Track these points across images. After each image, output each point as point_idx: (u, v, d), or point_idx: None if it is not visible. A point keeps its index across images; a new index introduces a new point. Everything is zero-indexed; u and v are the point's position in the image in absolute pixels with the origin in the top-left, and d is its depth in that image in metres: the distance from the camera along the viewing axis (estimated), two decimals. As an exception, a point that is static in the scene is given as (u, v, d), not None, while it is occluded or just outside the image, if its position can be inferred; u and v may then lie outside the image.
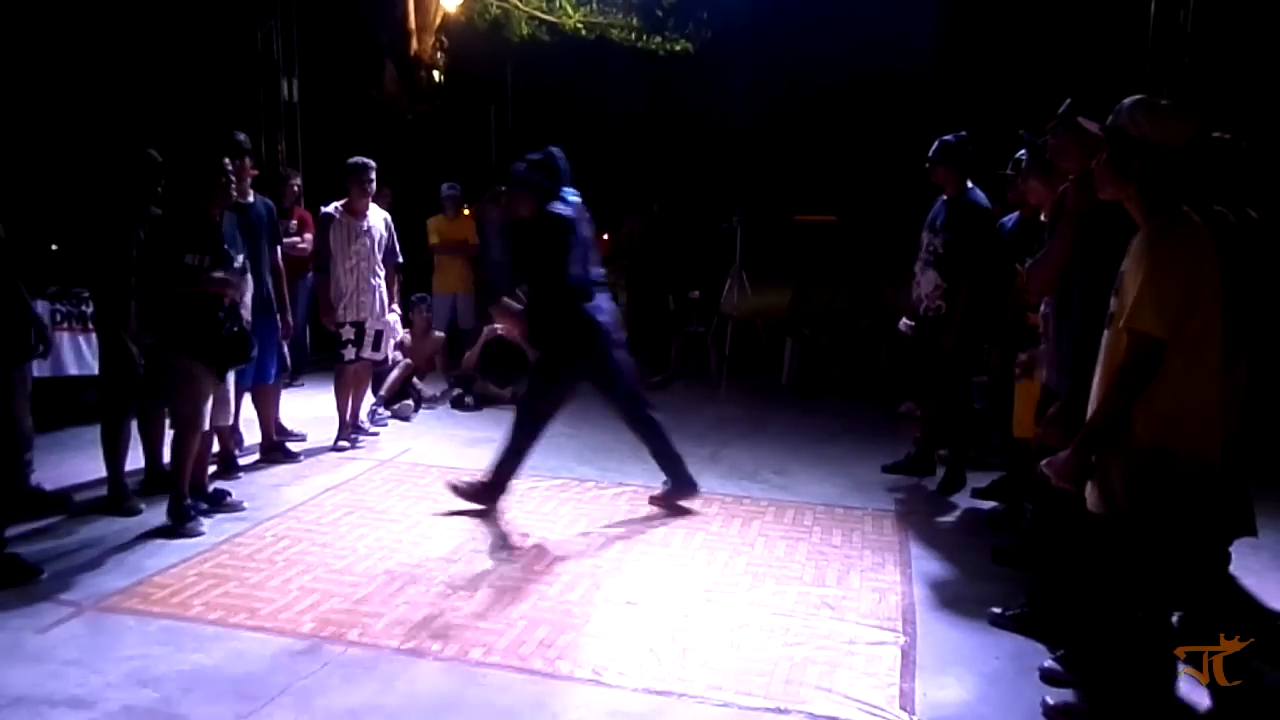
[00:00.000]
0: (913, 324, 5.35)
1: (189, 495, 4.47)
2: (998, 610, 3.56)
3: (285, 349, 6.21)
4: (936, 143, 5.01)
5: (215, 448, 4.98)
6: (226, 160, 4.40)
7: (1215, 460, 2.54)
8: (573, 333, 4.62)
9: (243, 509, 4.69)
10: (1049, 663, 3.11)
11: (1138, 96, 2.58)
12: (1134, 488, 2.51)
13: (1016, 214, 4.76)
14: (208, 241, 4.31)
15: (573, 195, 4.69)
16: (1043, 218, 4.10)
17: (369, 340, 5.99)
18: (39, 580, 3.80)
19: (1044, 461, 2.73)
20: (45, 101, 8.09)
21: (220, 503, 4.68)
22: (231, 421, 4.91)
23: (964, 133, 5.00)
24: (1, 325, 4.26)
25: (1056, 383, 3.26)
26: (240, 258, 4.52)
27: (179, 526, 4.33)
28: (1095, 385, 2.65)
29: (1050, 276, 3.27)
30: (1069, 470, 2.60)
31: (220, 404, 4.58)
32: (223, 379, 4.47)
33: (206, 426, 4.46)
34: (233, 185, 4.45)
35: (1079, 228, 3.13)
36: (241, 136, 5.28)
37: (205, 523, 4.42)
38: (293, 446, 5.82)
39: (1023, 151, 4.23)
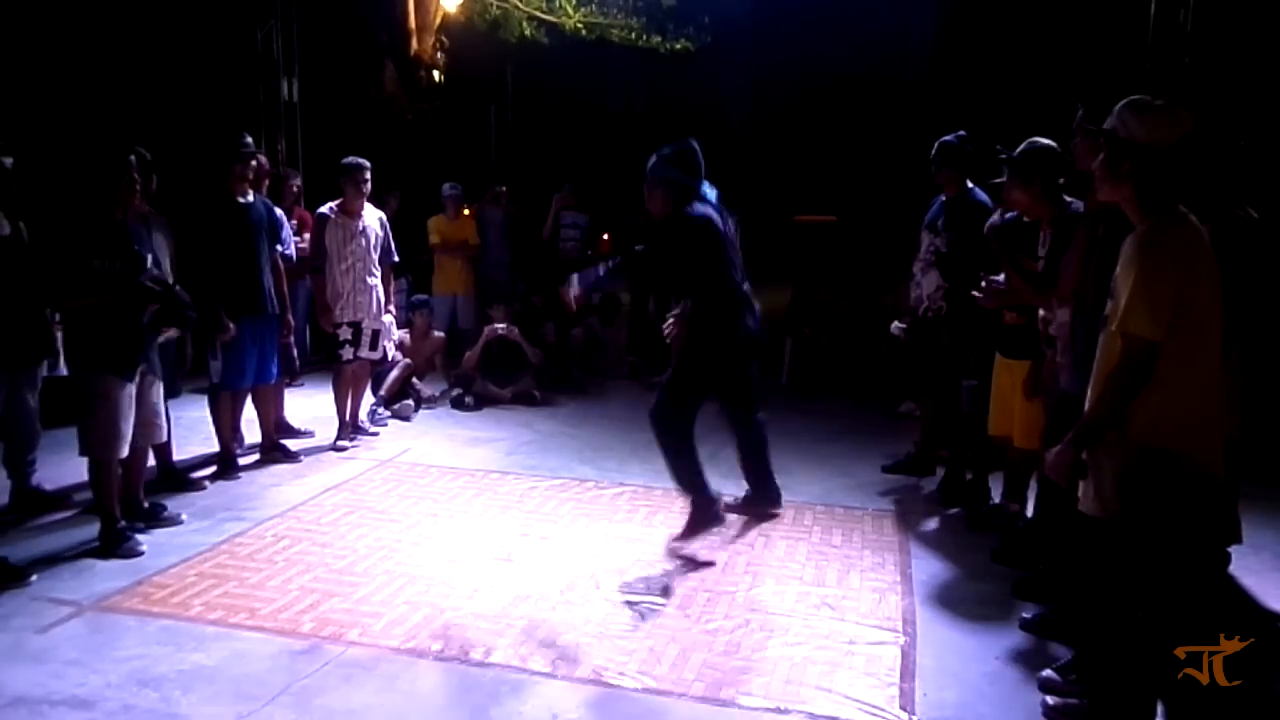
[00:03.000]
0: (904, 326, 5.35)
1: (121, 515, 4.26)
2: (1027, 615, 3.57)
3: (294, 349, 6.22)
4: (937, 145, 5.01)
5: (150, 460, 4.77)
6: (132, 158, 4.14)
7: (1212, 463, 2.52)
8: (722, 346, 4.33)
9: (181, 522, 4.49)
10: (1048, 672, 3.10)
11: (1130, 98, 2.56)
12: (1126, 490, 2.50)
13: (1012, 214, 4.75)
14: (115, 244, 4.08)
15: (711, 191, 4.38)
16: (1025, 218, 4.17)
17: (366, 340, 5.99)
18: (26, 583, 3.76)
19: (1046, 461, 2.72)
20: (46, 102, 8.09)
21: (157, 517, 4.49)
22: (165, 439, 4.61)
23: (963, 132, 5.00)
24: (20, 323, 4.29)
25: (1075, 387, 3.23)
26: (149, 258, 4.25)
27: (114, 549, 4.10)
28: (1090, 385, 2.64)
29: (1070, 279, 3.30)
30: (1059, 467, 2.60)
31: (149, 423, 4.34)
32: (131, 380, 4.15)
33: (125, 452, 4.19)
34: (138, 188, 4.19)
35: (1090, 231, 3.14)
36: (248, 139, 5.29)
37: (144, 541, 4.19)
38: (295, 445, 5.83)
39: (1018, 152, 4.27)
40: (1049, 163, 3.76)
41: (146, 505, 4.53)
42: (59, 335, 5.28)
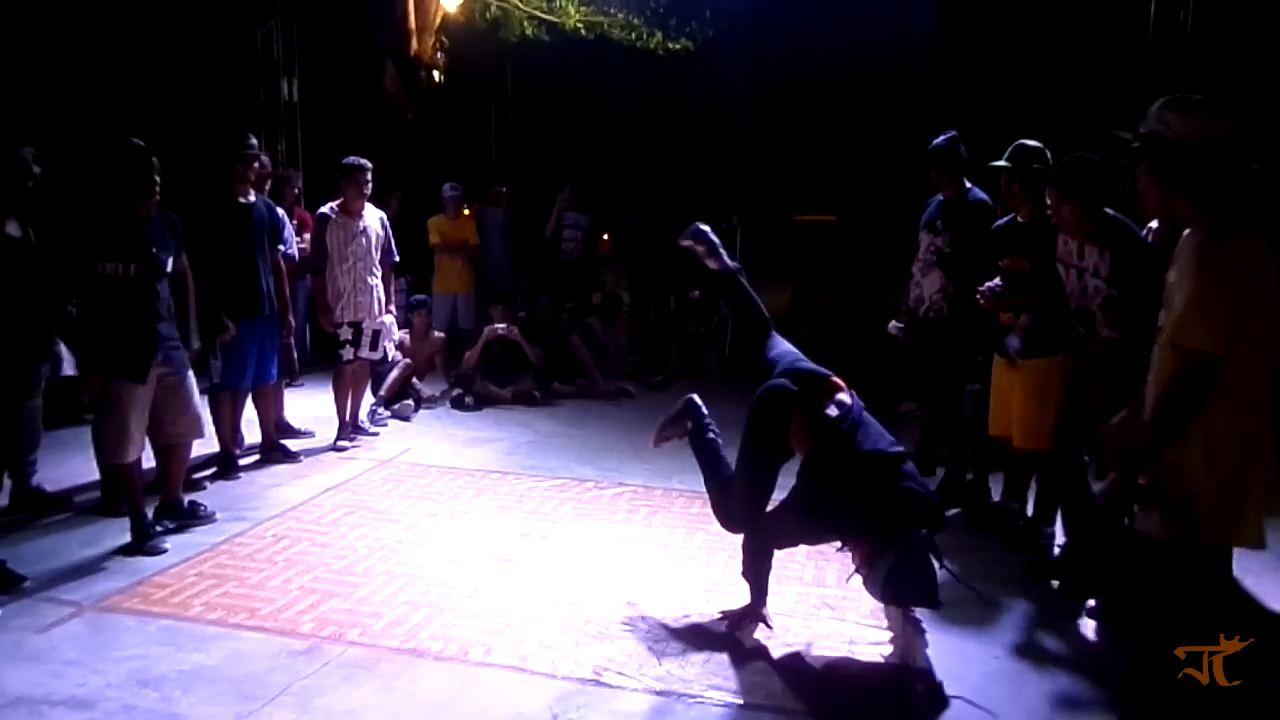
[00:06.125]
0: (903, 325, 5.35)
1: (156, 514, 4.35)
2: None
3: (293, 350, 6.21)
4: (930, 149, 5.00)
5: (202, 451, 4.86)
6: (155, 160, 4.11)
7: (1268, 484, 2.35)
8: None
9: (215, 519, 4.51)
10: None
11: (1166, 97, 2.39)
12: (1190, 513, 2.30)
13: (1008, 217, 4.75)
14: (131, 246, 4.06)
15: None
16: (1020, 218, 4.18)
17: (366, 340, 5.99)
18: (22, 589, 3.74)
19: (1099, 489, 2.59)
20: (46, 101, 8.09)
21: (194, 515, 4.51)
22: (202, 435, 4.60)
23: (954, 133, 4.99)
24: (23, 325, 4.27)
25: None
26: (170, 260, 4.26)
27: (140, 545, 4.14)
28: (1146, 404, 2.44)
29: None
30: (1116, 495, 2.38)
31: (185, 417, 4.35)
32: (142, 383, 4.12)
33: (135, 455, 4.20)
34: (156, 188, 4.14)
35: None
36: (252, 141, 5.29)
37: (168, 541, 4.22)
38: (295, 446, 5.83)
39: (1005, 161, 4.28)
40: (1096, 175, 3.72)
41: (186, 503, 4.51)
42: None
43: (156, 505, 4.47)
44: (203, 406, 4.54)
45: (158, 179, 4.15)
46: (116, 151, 4.10)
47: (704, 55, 10.75)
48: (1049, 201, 3.99)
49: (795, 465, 3.42)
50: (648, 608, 3.67)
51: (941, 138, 4.97)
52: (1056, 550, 4.21)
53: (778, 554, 3.59)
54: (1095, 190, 3.72)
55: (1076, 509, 3.95)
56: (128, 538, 4.23)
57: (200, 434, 4.51)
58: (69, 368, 5.48)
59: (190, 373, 4.41)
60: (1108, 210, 3.74)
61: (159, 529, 4.29)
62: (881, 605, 3.69)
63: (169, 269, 4.26)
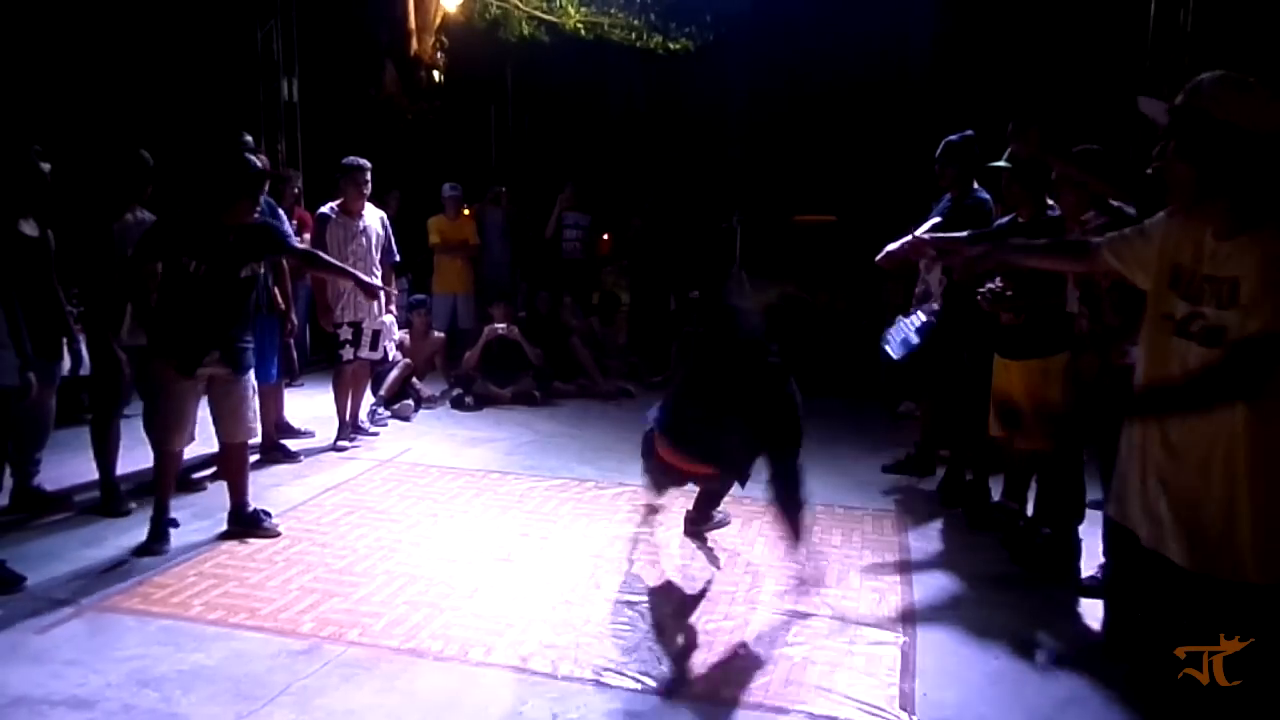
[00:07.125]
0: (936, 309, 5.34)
1: (230, 520, 4.39)
2: None
3: (293, 349, 6.20)
4: (943, 144, 5.01)
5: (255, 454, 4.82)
6: (266, 182, 4.20)
7: None
8: None
9: (279, 534, 4.39)
10: None
11: (1220, 73, 2.10)
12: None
13: (1008, 217, 4.75)
14: (210, 249, 4.04)
15: None
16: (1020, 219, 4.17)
17: (366, 340, 5.99)
18: (21, 589, 3.73)
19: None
20: (46, 101, 8.09)
21: (257, 524, 4.39)
22: (252, 437, 4.47)
23: (969, 132, 4.99)
24: (40, 322, 4.28)
25: None
26: (248, 268, 4.18)
27: (152, 543, 4.13)
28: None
29: None
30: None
31: (230, 419, 4.28)
32: (189, 376, 4.09)
33: (182, 445, 4.22)
34: (259, 208, 4.22)
35: None
36: (248, 138, 5.29)
37: (168, 544, 4.18)
38: (295, 445, 5.83)
39: (1004, 161, 4.27)
40: (1102, 167, 3.72)
41: (250, 510, 4.44)
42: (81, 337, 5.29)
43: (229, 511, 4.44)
44: (252, 406, 4.42)
45: (262, 200, 4.27)
46: (234, 165, 4.10)
47: (704, 55, 10.74)
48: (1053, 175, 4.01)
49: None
50: (648, 608, 3.67)
51: (956, 135, 4.98)
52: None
53: (778, 555, 3.61)
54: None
55: (1069, 503, 3.98)
56: (128, 537, 4.23)
57: (247, 436, 4.41)
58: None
59: (248, 376, 4.35)
60: (1112, 203, 3.74)
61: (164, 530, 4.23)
62: (881, 605, 3.70)
63: (242, 274, 4.17)
